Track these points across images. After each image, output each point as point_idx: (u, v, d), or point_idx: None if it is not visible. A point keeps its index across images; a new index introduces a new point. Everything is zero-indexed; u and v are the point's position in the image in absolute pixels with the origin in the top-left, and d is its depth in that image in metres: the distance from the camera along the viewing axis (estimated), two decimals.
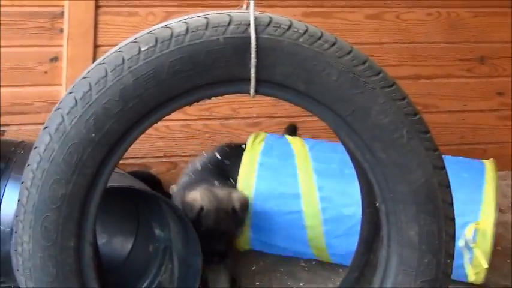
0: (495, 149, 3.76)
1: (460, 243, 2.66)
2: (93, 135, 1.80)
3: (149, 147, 3.31)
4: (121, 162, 2.99)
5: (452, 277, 2.70)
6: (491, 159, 2.95)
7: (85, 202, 1.88)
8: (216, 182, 2.81)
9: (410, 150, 1.84)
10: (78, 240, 1.91)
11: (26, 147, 2.85)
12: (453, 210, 1.89)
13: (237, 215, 2.66)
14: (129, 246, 2.83)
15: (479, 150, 3.75)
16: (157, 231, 2.71)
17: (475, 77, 3.64)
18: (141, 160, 3.36)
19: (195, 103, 1.91)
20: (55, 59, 3.18)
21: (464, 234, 2.67)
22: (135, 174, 3.03)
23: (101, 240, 2.77)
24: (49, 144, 1.80)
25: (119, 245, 2.84)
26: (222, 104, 3.41)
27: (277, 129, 3.39)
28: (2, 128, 3.23)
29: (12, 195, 2.69)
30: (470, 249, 2.70)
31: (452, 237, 1.89)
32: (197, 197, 2.64)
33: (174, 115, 3.28)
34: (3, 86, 3.19)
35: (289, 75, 1.81)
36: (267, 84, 1.85)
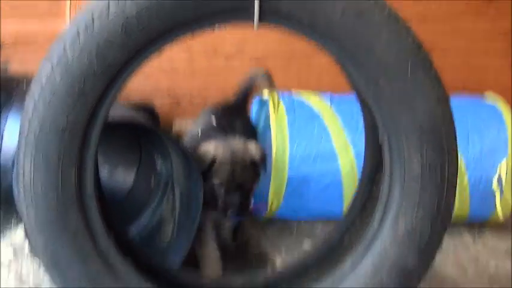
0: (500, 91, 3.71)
1: (493, 183, 2.74)
2: (95, 66, 1.80)
3: (153, 85, 3.30)
4: (124, 97, 3.00)
5: (479, 215, 2.81)
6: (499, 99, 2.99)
7: (86, 133, 1.89)
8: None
9: (413, 82, 1.83)
10: (79, 170, 1.92)
11: (29, 82, 2.82)
12: (456, 143, 1.88)
13: (256, 167, 2.59)
14: (131, 178, 2.84)
15: (484, 90, 3.75)
16: (159, 164, 2.71)
17: (482, 20, 3.67)
18: (145, 96, 3.38)
19: (198, 33, 1.92)
20: None
21: (497, 173, 2.73)
22: (135, 107, 3.04)
23: (103, 172, 2.77)
24: (51, 75, 1.80)
25: (121, 177, 2.84)
26: (227, 40, 3.40)
27: (282, 66, 3.39)
28: (4, 63, 3.29)
29: (14, 129, 2.69)
30: (502, 185, 2.74)
31: (455, 170, 1.89)
32: (210, 148, 2.57)
33: (177, 52, 3.27)
34: (8, 20, 3.24)
35: (293, 6, 1.80)
36: (270, 15, 1.84)
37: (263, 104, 3.05)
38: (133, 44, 1.80)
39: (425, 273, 1.96)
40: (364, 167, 2.31)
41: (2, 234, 2.71)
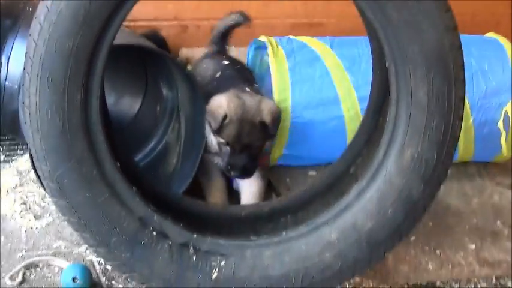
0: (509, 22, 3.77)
1: (499, 123, 2.76)
2: None
3: (160, 10, 3.30)
4: (131, 24, 2.98)
5: (484, 156, 2.85)
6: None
7: (92, 56, 1.92)
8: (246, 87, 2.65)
9: (422, 9, 1.84)
10: (85, 94, 1.95)
11: (33, 4, 2.81)
12: (464, 72, 1.89)
13: (266, 129, 2.51)
14: (138, 106, 2.87)
15: (492, 22, 3.82)
16: (165, 91, 2.74)
17: None
18: (152, 23, 3.35)
19: None
20: None
21: (503, 113, 2.75)
22: (143, 35, 3.06)
23: (110, 99, 2.80)
24: None
25: (127, 105, 2.88)
26: None
27: None
28: None
29: (21, 53, 2.69)
30: (508, 125, 2.77)
31: (462, 99, 1.91)
32: (223, 103, 2.49)
33: None
34: None
35: None
36: None
37: (258, 48, 3.01)
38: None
39: (430, 203, 2.00)
40: (370, 98, 2.32)
41: (9, 161, 2.77)
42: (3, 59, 2.85)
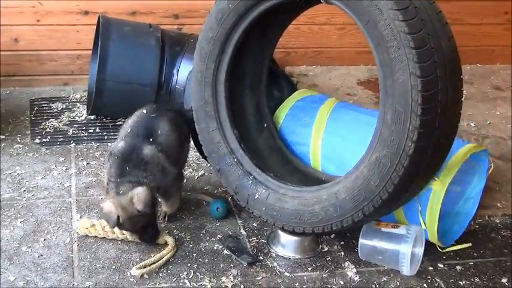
0: (500, 49, 5.11)
1: None
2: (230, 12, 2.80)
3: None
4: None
5: None
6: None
7: (224, 43, 2.88)
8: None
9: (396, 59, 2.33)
10: (218, 64, 2.92)
11: (195, 37, 3.71)
12: (420, 108, 2.31)
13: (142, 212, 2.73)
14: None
15: (488, 50, 5.05)
16: (275, 92, 3.39)
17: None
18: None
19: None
20: None
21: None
22: None
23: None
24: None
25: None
26: None
27: None
28: (180, 27, 4.41)
29: (185, 67, 3.77)
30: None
31: (415, 128, 2.36)
32: (111, 209, 2.73)
33: None
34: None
35: None
36: None
37: None
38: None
39: (384, 195, 2.50)
40: None
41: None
42: (175, 71, 3.82)
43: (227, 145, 2.93)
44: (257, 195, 2.85)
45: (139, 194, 2.73)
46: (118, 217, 2.70)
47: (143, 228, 2.79)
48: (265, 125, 3.14)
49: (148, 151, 2.85)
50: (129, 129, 2.94)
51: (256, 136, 3.08)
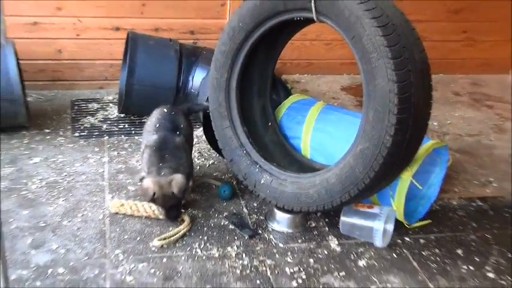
0: (460, 62, 5.18)
1: None
2: (240, 29, 2.78)
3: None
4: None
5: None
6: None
7: (235, 56, 2.87)
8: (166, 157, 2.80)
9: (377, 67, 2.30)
10: (229, 73, 2.91)
11: (207, 50, 3.84)
12: (396, 108, 2.30)
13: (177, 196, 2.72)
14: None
15: (450, 62, 5.11)
16: (274, 96, 3.38)
17: (451, 21, 4.97)
18: None
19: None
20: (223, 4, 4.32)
21: None
22: None
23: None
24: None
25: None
26: None
27: None
28: (195, 41, 4.37)
29: (199, 74, 3.76)
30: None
31: (392, 125, 2.34)
32: (150, 185, 2.71)
33: None
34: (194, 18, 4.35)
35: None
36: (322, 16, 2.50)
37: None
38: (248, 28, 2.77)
39: (366, 180, 2.46)
40: None
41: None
42: (190, 78, 3.78)
43: (238, 140, 2.94)
44: (262, 181, 2.86)
45: (177, 180, 2.73)
46: (154, 193, 2.71)
47: (171, 207, 2.78)
48: (270, 123, 3.14)
49: (179, 141, 2.87)
50: (158, 125, 2.93)
51: (262, 133, 3.08)
